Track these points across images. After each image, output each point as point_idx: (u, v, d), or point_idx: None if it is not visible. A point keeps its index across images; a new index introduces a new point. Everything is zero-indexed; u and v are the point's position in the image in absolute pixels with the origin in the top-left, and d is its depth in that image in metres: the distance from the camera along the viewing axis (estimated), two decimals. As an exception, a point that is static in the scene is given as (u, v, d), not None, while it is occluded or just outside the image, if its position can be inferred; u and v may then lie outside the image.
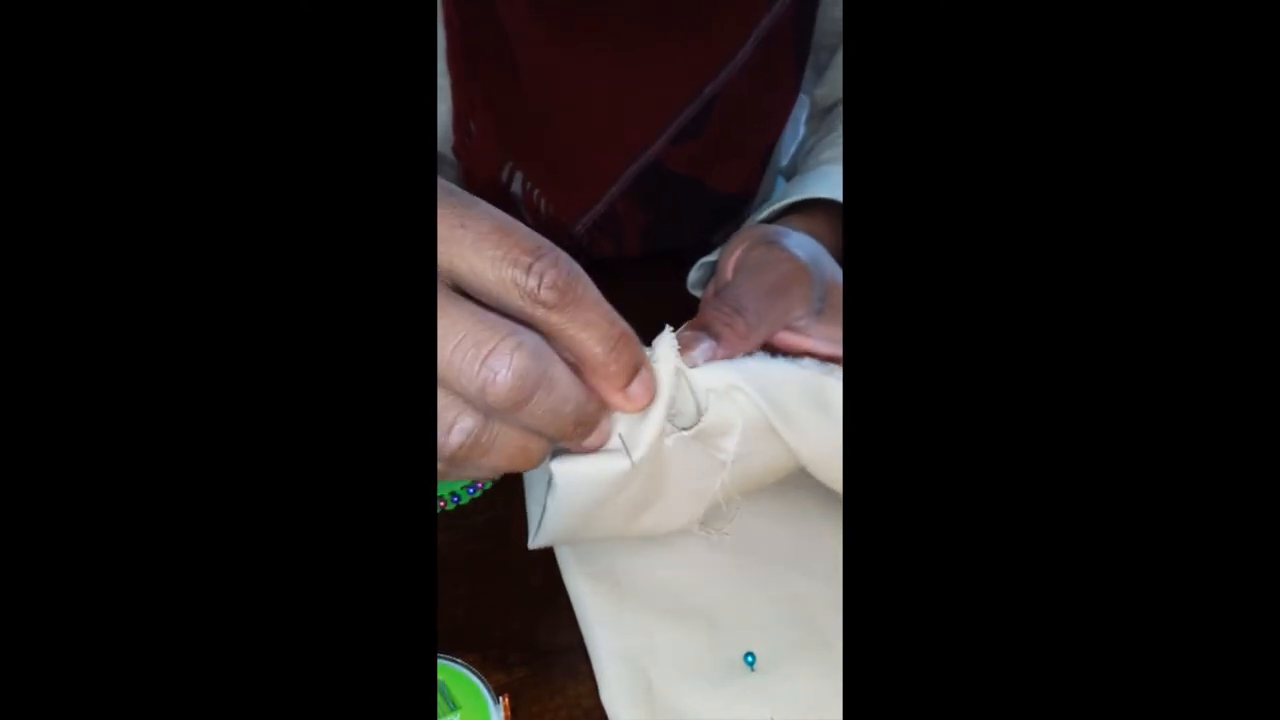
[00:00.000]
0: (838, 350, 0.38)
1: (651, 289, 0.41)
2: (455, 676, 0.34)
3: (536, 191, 0.50)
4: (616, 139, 0.49)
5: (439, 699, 0.33)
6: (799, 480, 0.37)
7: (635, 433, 0.30)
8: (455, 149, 0.47)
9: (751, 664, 0.34)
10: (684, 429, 0.32)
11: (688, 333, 0.35)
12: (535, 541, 0.36)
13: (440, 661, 0.34)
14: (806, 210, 0.47)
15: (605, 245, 0.53)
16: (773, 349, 0.38)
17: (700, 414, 0.32)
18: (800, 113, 0.58)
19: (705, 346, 0.34)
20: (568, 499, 0.32)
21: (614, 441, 0.30)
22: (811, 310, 0.39)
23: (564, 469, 0.31)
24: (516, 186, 0.49)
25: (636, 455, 0.30)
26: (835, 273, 0.41)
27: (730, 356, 0.35)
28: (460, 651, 0.35)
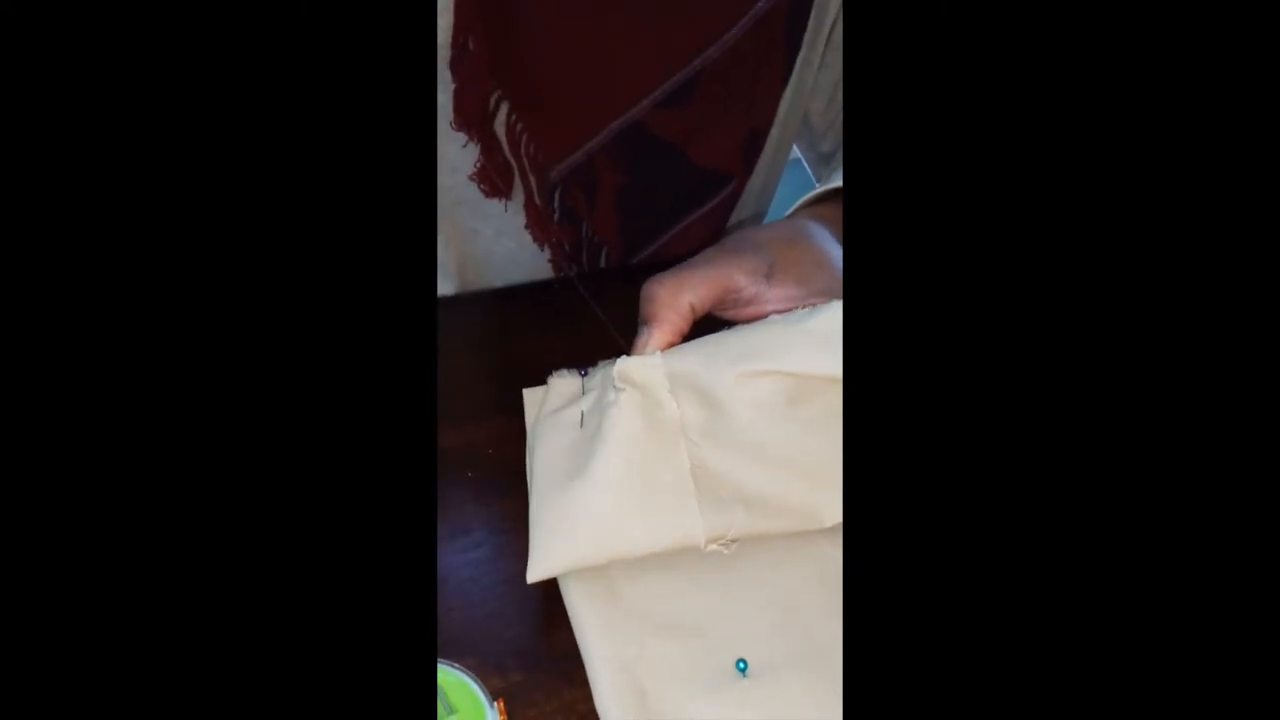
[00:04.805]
0: (795, 306, 0.41)
1: (634, 297, 0.42)
2: (452, 681, 0.34)
3: (520, 125, 0.50)
4: (604, 89, 0.49)
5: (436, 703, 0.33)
6: None
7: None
8: (451, 64, 0.48)
9: (744, 670, 0.35)
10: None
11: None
12: (532, 572, 0.36)
13: (438, 666, 0.35)
14: None
15: (578, 197, 0.54)
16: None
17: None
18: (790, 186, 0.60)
19: (641, 339, 0.39)
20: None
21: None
22: (759, 276, 0.41)
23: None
24: (501, 120, 0.50)
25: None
26: (781, 237, 0.44)
27: (667, 334, 0.39)
28: (457, 657, 0.35)
